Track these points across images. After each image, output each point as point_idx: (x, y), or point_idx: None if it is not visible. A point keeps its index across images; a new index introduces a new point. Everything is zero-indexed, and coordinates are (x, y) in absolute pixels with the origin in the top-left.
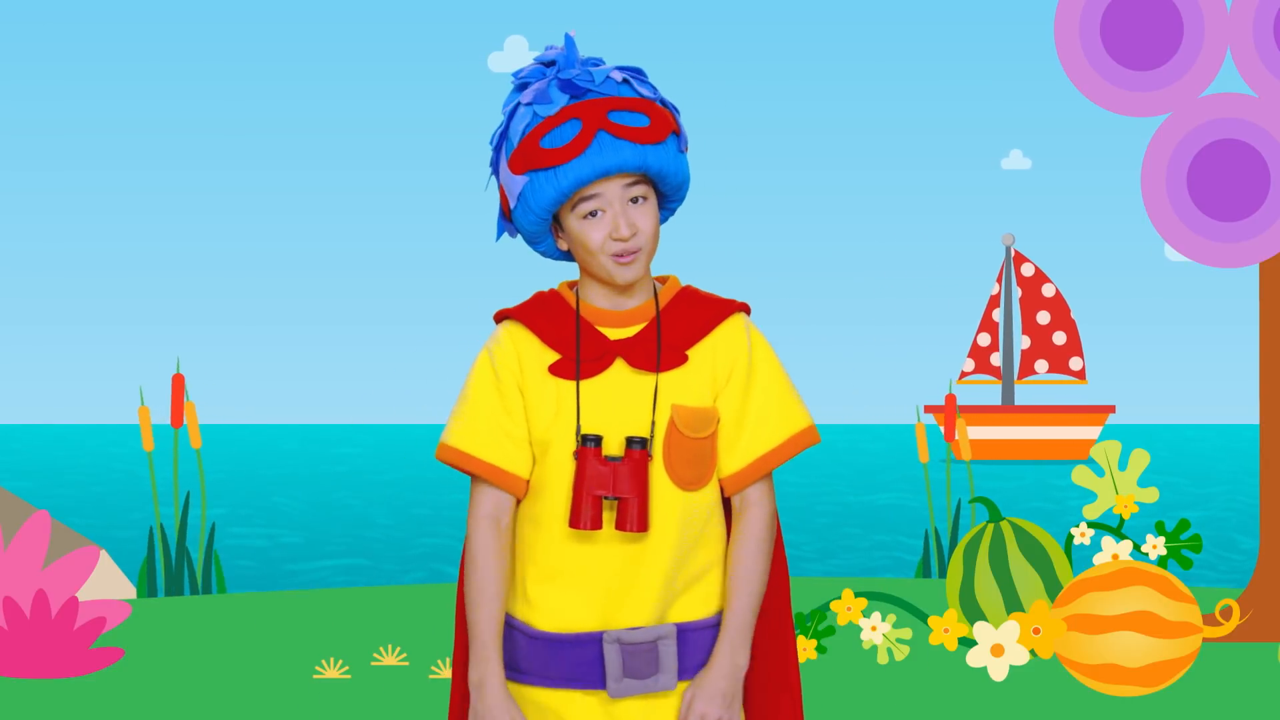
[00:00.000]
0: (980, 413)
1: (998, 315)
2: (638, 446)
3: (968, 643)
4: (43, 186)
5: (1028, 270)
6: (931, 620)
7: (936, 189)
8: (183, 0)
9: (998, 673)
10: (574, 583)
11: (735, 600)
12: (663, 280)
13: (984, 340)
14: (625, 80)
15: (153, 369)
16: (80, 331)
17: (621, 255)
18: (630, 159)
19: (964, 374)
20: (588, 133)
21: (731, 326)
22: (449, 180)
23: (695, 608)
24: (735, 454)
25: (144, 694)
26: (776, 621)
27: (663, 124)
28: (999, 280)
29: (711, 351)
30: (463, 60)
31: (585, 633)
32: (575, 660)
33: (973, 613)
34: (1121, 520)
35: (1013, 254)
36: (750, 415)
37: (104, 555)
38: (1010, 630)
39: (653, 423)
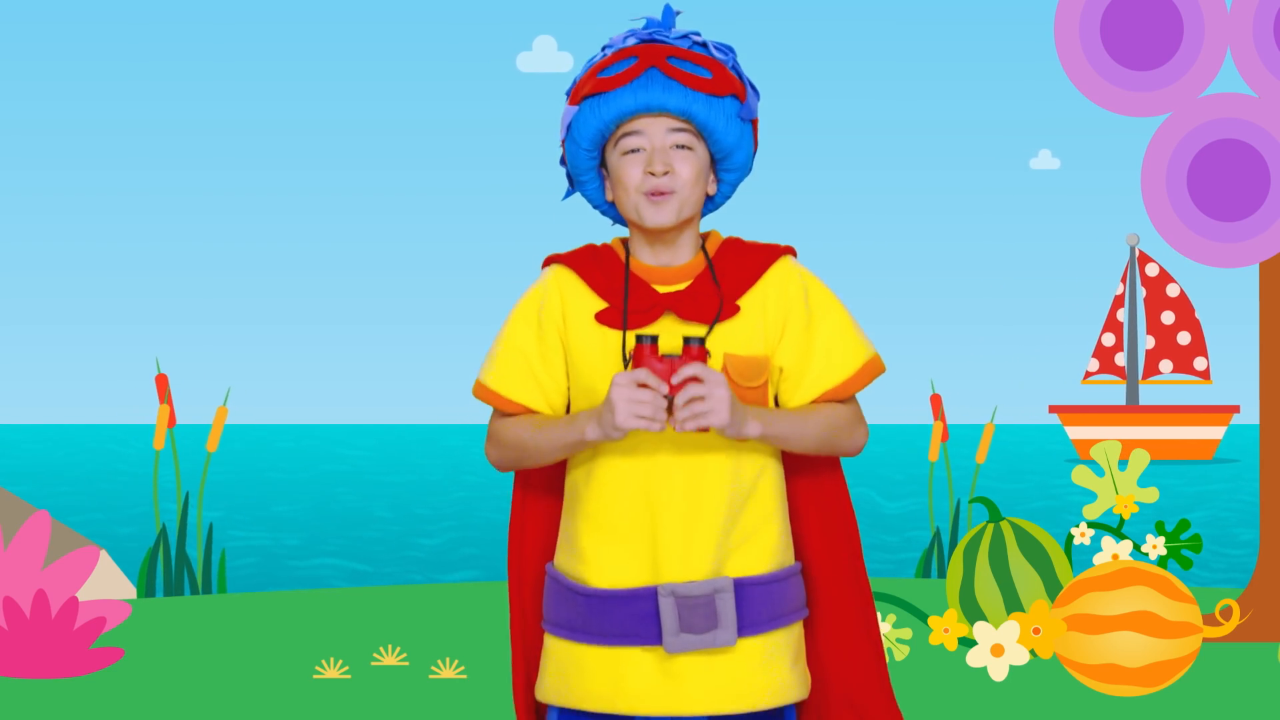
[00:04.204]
0: (1103, 413)
1: (1122, 315)
2: (696, 344)
3: (968, 643)
4: (43, 186)
5: (1152, 270)
6: (931, 620)
7: (964, 189)
8: (207, 2)
9: (998, 673)
10: (627, 537)
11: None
12: (704, 236)
13: (1108, 340)
14: (703, 43)
15: (152, 369)
16: (80, 332)
17: (653, 193)
18: (676, 100)
19: (1088, 374)
20: (640, 67)
21: (780, 271)
22: (468, 181)
23: (751, 563)
24: (800, 392)
25: (144, 694)
26: (850, 575)
27: (724, 83)
28: (1123, 280)
29: (761, 298)
30: (492, 61)
31: (640, 587)
32: (631, 616)
33: (973, 613)
34: (1121, 520)
35: (1137, 254)
36: (816, 354)
37: (104, 555)
38: (1010, 630)
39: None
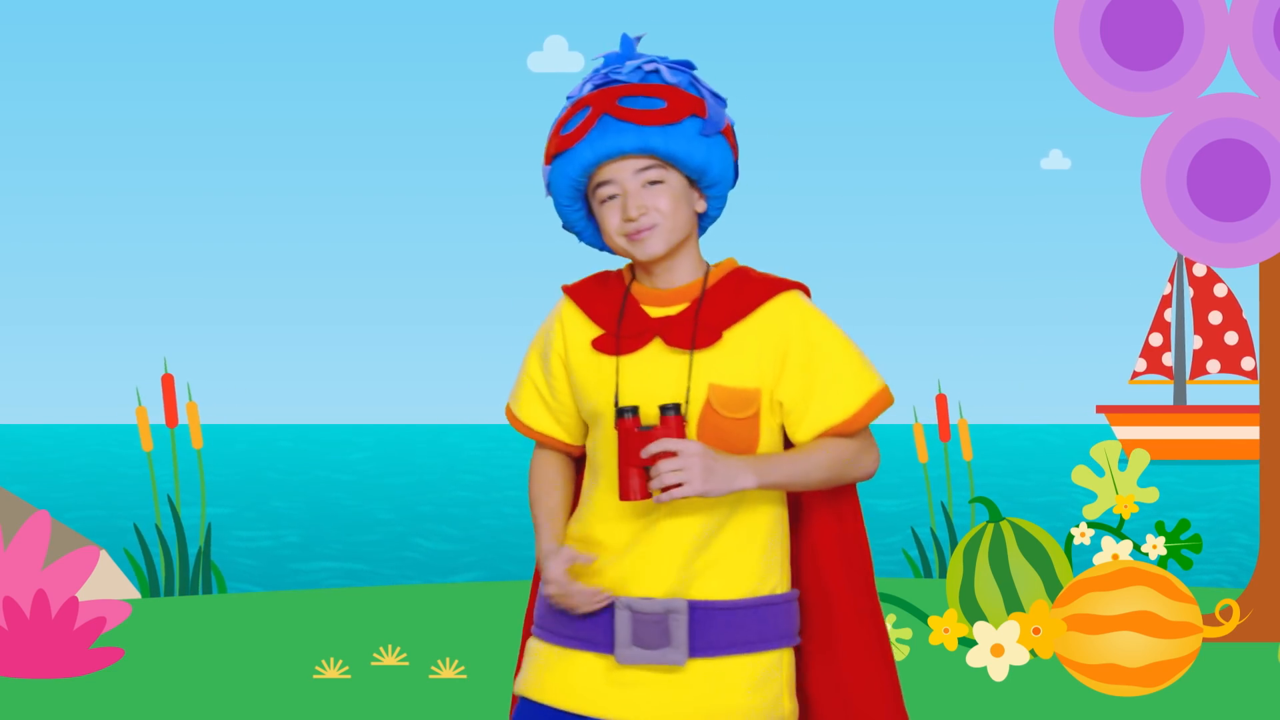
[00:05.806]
0: (1150, 413)
1: (1169, 315)
2: (671, 413)
3: (968, 643)
4: (42, 186)
5: (1200, 270)
6: (931, 620)
7: (976, 189)
8: (209, 2)
9: (998, 673)
10: (601, 548)
11: (789, 450)
12: (720, 265)
13: (1156, 340)
14: (655, 70)
15: (153, 369)
16: (80, 331)
17: (632, 235)
18: (630, 141)
19: (1136, 374)
20: (593, 118)
21: (779, 306)
22: (476, 181)
23: (715, 587)
24: (803, 428)
25: (144, 694)
26: (867, 602)
27: (680, 106)
28: (1171, 280)
29: (756, 333)
30: (503, 60)
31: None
32: (587, 622)
33: (973, 613)
34: (1121, 520)
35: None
36: (817, 390)
37: (104, 555)
38: (1010, 630)
39: (687, 400)
